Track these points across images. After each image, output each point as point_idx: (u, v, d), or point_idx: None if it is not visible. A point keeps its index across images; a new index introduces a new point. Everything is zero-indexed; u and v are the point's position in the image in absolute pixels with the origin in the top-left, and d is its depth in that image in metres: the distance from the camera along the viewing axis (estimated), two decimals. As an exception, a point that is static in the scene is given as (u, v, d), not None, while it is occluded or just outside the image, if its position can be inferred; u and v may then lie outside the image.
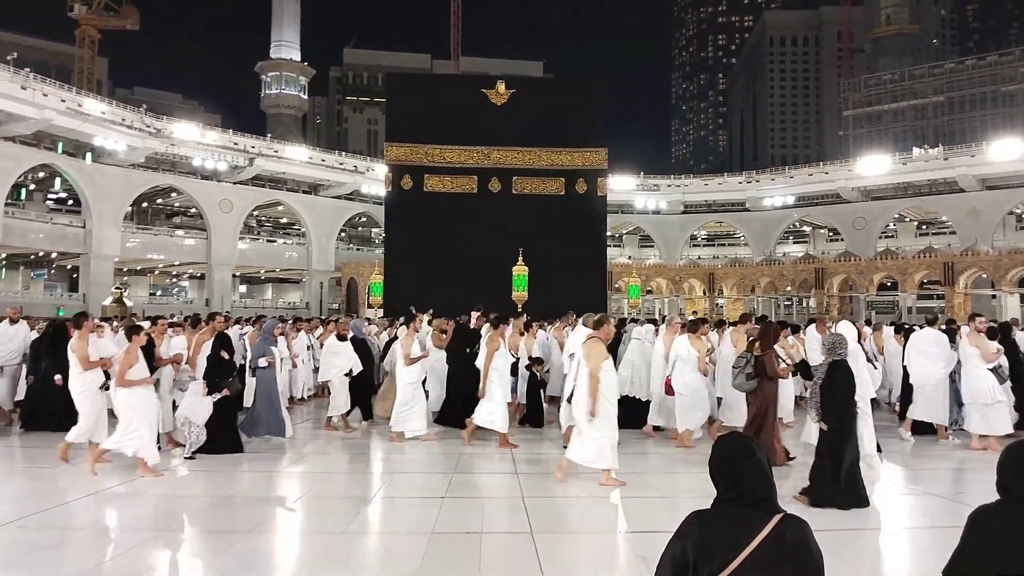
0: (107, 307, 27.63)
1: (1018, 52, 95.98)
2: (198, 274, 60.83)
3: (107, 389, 8.08)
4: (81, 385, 8.07)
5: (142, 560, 5.14)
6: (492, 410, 9.38)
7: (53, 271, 55.77)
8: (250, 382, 10.31)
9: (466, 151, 31.34)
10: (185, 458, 8.46)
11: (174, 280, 67.40)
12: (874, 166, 57.19)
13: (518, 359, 10.75)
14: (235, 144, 53.08)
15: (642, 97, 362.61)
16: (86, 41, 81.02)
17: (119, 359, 7.72)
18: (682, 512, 2.41)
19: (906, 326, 12.84)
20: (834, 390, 6.73)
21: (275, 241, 60.95)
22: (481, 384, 9.52)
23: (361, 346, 11.49)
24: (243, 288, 66.17)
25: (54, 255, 50.51)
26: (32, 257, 51.96)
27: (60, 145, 44.62)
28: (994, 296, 48.96)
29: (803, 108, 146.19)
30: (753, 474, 2.30)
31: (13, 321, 11.44)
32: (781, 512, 2.27)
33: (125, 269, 55.68)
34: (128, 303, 30.30)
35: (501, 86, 31.64)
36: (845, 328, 7.69)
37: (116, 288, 40.98)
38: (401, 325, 13.15)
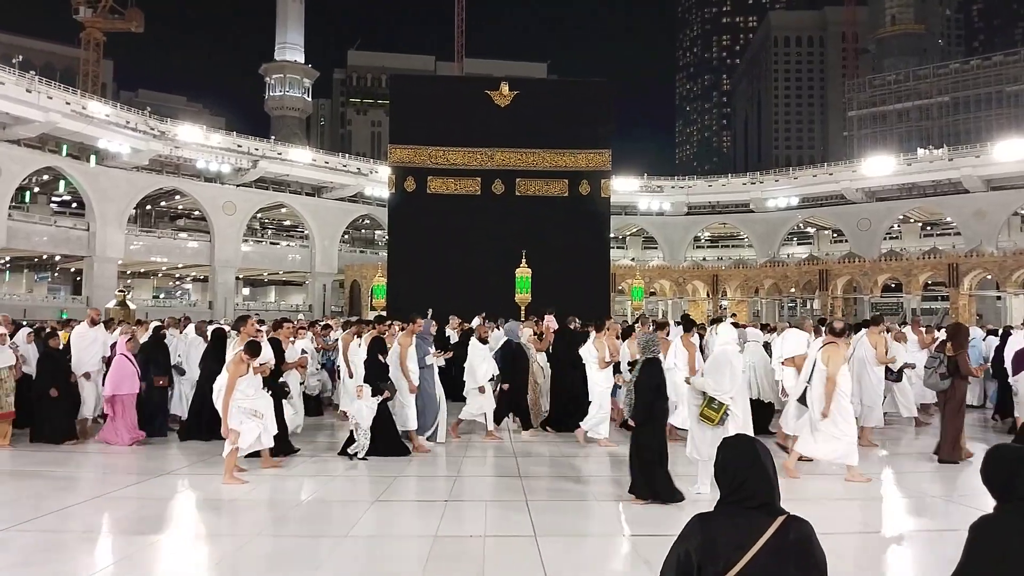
0: (110, 310, 27.66)
1: (1023, 52, 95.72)
2: (201, 277, 60.94)
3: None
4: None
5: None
6: (602, 418, 9.71)
7: (57, 274, 55.94)
8: None
9: (469, 153, 31.32)
10: (359, 459, 8.60)
11: (177, 283, 67.55)
12: (879, 167, 57.07)
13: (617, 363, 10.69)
14: (239, 146, 53.21)
15: (646, 98, 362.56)
16: (91, 44, 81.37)
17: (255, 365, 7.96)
18: (690, 515, 2.39)
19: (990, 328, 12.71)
20: (642, 387, 6.87)
21: (278, 243, 61.05)
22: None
23: (517, 352, 11.15)
24: (246, 291, 66.27)
25: (58, 258, 50.66)
26: (36, 260, 52.12)
27: (64, 148, 44.81)
28: (999, 297, 48.80)
29: (807, 109, 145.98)
30: (757, 477, 2.31)
31: (94, 323, 10.98)
32: (785, 514, 2.27)
33: (129, 272, 55.84)
34: (132, 306, 30.27)
35: (505, 88, 31.61)
36: (725, 330, 7.76)
37: (120, 291, 40.93)
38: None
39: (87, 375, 10.40)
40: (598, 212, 32.21)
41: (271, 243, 60.56)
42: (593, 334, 10.14)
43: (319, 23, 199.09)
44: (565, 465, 8.72)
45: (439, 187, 31.23)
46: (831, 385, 7.62)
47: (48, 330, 11.65)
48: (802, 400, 8.12)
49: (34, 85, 41.45)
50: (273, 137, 70.21)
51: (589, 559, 5.40)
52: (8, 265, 53.60)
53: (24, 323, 14.29)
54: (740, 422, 7.31)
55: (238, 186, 53.51)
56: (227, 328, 11.54)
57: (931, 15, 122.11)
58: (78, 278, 52.78)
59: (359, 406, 8.64)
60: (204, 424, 9.60)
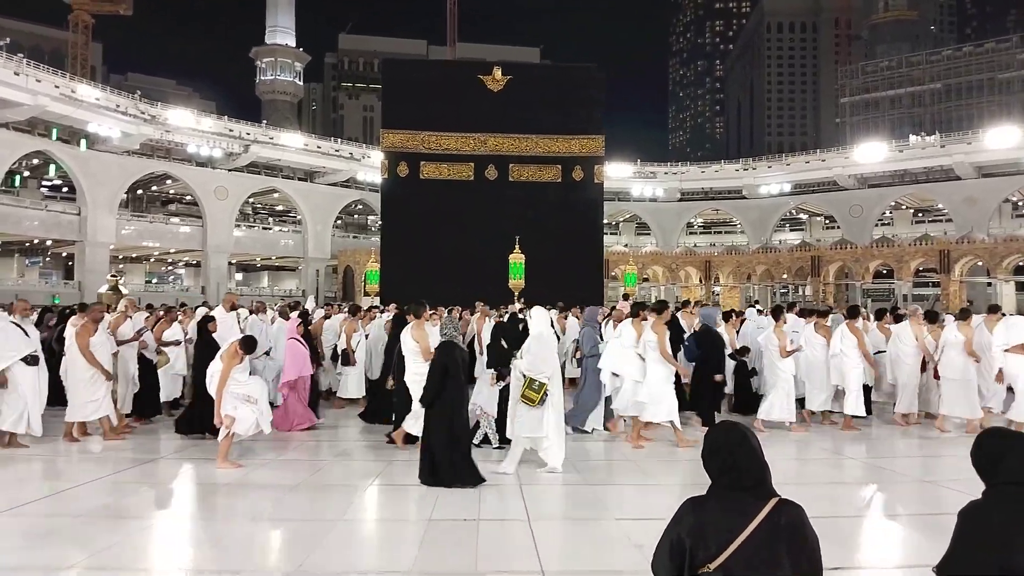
0: (103, 295, 27.54)
1: (1015, 39, 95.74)
2: (194, 262, 60.67)
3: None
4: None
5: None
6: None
7: (48, 258, 55.61)
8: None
9: (462, 138, 31.26)
10: (475, 446, 8.43)
11: (170, 268, 67.24)
12: (871, 153, 57.15)
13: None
14: (230, 131, 52.85)
15: (639, 83, 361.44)
16: (80, 26, 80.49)
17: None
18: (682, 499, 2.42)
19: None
20: (433, 369, 6.94)
21: (271, 229, 60.83)
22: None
23: (717, 340, 10.32)
24: (239, 276, 66.03)
25: (49, 242, 50.35)
26: (27, 244, 51.80)
27: (54, 131, 44.42)
28: (989, 284, 49.10)
29: (800, 95, 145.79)
30: (746, 459, 2.32)
31: (233, 307, 11.02)
32: (776, 497, 2.28)
33: (120, 256, 55.55)
34: (124, 291, 30.14)
35: (498, 72, 31.51)
36: (538, 313, 7.81)
37: (112, 276, 40.80)
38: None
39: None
40: (591, 198, 32.24)
41: (263, 228, 60.31)
42: (650, 320, 9.43)
43: (310, 6, 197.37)
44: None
45: (432, 172, 31.18)
46: None
47: (207, 314, 10.93)
48: None
49: (22, 68, 41.01)
50: (264, 121, 69.76)
51: (581, 542, 5.45)
52: (-1, 250, 53.29)
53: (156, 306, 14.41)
54: (557, 403, 7.46)
55: (230, 171, 53.20)
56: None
57: (924, 2, 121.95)
58: (70, 263, 52.51)
59: (485, 393, 8.50)
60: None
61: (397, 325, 9.44)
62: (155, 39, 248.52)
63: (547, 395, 7.19)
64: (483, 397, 8.53)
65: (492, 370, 8.77)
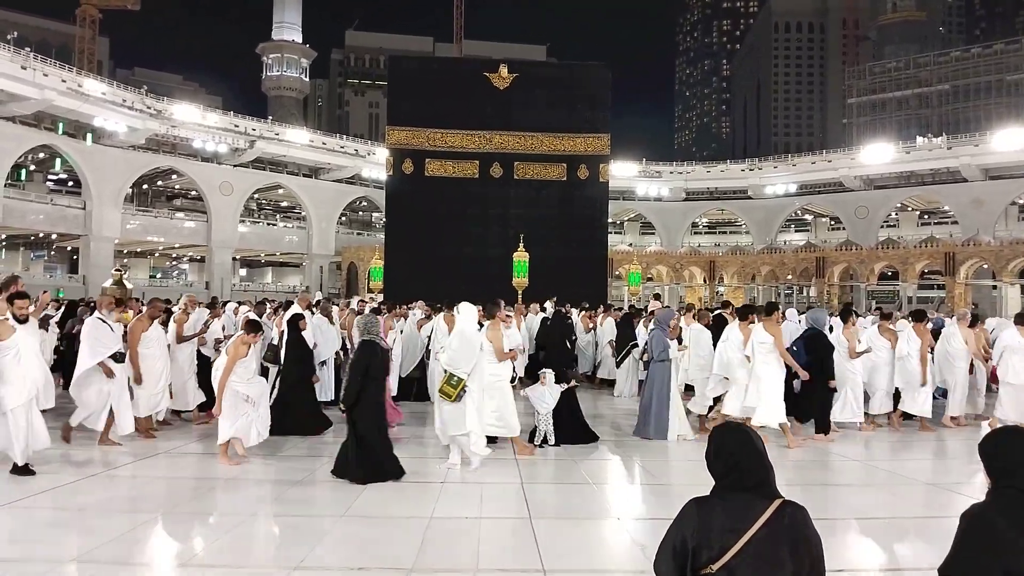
0: (107, 289, 27.60)
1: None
2: (198, 257, 60.80)
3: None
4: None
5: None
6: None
7: (53, 252, 55.81)
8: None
9: (468, 135, 31.23)
10: (549, 445, 8.52)
11: (174, 263, 67.38)
12: (877, 155, 56.98)
13: None
14: (236, 126, 52.92)
15: (645, 82, 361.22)
16: (87, 21, 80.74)
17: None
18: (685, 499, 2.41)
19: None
20: (354, 368, 6.97)
21: (275, 224, 60.89)
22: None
23: (827, 344, 9.60)
24: (243, 271, 66.15)
25: (54, 236, 50.50)
26: (32, 238, 51.96)
27: (60, 126, 44.53)
28: (995, 287, 48.94)
29: (807, 95, 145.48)
30: (751, 460, 2.32)
31: (310, 307, 11.21)
32: (780, 498, 2.28)
33: (125, 251, 55.65)
34: (128, 285, 30.17)
35: (504, 70, 31.46)
36: (466, 309, 7.83)
37: (116, 270, 40.80)
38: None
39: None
40: (596, 197, 32.19)
41: (268, 224, 60.37)
42: (761, 322, 9.22)
43: (317, 2, 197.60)
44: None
45: (437, 169, 31.16)
46: None
47: (296, 313, 10.86)
48: None
49: (29, 62, 41.10)
50: (270, 117, 69.87)
51: (583, 542, 5.44)
52: (4, 243, 53.43)
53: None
54: (477, 399, 7.52)
55: (235, 166, 53.26)
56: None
57: (933, 2, 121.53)
58: (74, 257, 52.65)
59: (541, 392, 8.47)
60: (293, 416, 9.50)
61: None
62: (162, 34, 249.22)
63: (465, 391, 7.26)
64: (535, 395, 8.53)
65: (549, 370, 8.72)
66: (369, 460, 6.77)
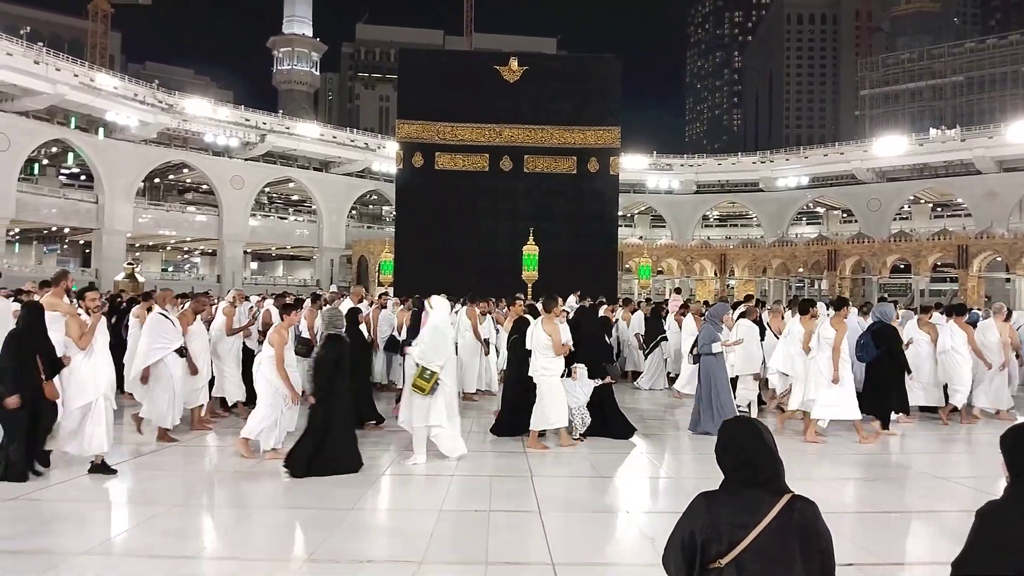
0: (119, 283, 27.77)
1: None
2: (210, 250, 61.03)
3: None
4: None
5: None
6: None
7: (66, 246, 56.13)
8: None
9: (478, 129, 31.21)
10: (574, 439, 8.52)
11: (186, 256, 67.72)
12: (890, 147, 56.51)
13: None
14: (247, 120, 53.02)
15: (656, 75, 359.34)
16: (99, 15, 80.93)
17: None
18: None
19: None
20: (320, 363, 6.91)
21: (286, 218, 61.02)
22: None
23: (897, 337, 9.61)
24: (254, 265, 66.40)
25: (67, 230, 50.77)
26: (45, 232, 52.26)
27: (73, 120, 44.72)
28: (1008, 279, 48.53)
29: (819, 87, 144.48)
30: (761, 454, 2.31)
31: (361, 301, 11.69)
32: (789, 493, 2.27)
33: (137, 245, 55.95)
34: (140, 279, 30.43)
35: (514, 63, 31.41)
36: (438, 302, 7.82)
37: (128, 264, 41.20)
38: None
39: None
40: (606, 190, 32.14)
41: (279, 217, 60.50)
42: (827, 316, 9.21)
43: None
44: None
45: (447, 163, 31.18)
46: None
47: (353, 306, 11.07)
48: None
49: (42, 57, 41.29)
50: (281, 111, 69.84)
51: (592, 535, 5.44)
52: (17, 237, 53.74)
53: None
54: (450, 392, 7.51)
55: (246, 160, 53.39)
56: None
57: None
58: (87, 250, 52.95)
59: (571, 386, 8.46)
60: None
61: (527, 321, 9.24)
62: (173, 29, 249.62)
63: (438, 384, 7.24)
64: (567, 386, 8.48)
65: (581, 365, 8.66)
66: (321, 453, 6.72)
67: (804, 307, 9.61)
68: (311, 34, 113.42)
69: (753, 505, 2.24)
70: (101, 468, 6.62)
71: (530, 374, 8.35)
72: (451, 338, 7.78)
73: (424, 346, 7.44)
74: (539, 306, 8.90)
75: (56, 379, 6.51)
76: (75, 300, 7.85)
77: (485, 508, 5.86)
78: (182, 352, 8.26)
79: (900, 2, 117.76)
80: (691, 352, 9.90)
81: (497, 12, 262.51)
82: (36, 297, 8.81)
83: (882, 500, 6.52)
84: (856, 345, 9.42)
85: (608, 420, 8.85)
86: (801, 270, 54.98)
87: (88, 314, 6.88)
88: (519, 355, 8.91)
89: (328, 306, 10.91)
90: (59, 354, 6.55)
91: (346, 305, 10.78)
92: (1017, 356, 11.22)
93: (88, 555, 4.69)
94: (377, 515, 5.95)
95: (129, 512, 5.85)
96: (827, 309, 10.08)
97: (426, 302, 8.44)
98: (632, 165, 57.89)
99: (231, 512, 5.94)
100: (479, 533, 5.22)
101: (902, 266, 52.46)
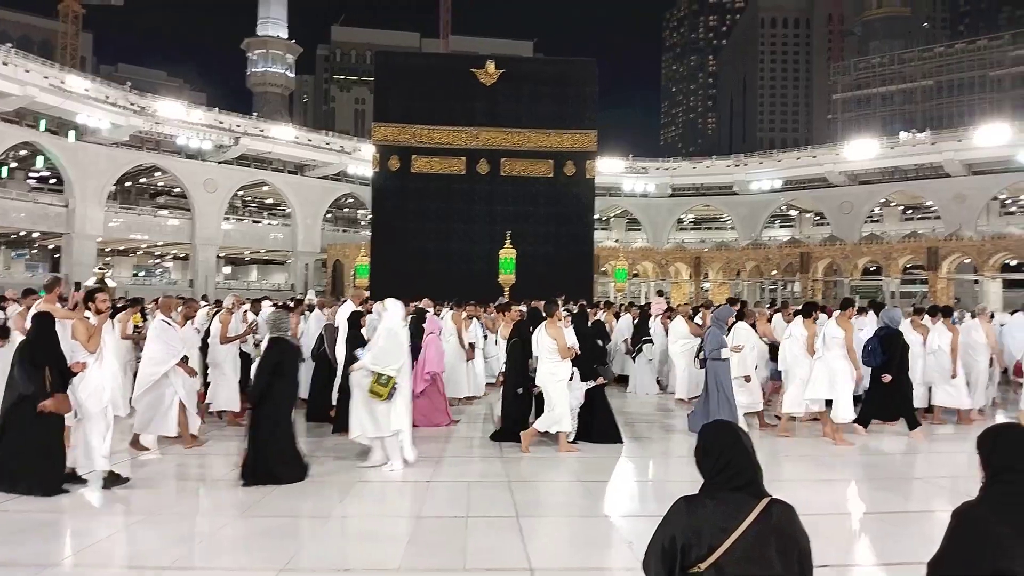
0: (89, 287, 27.31)
1: (1008, 36, 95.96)
2: (182, 255, 60.33)
3: None
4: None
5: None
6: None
7: (35, 250, 55.22)
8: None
9: (454, 132, 31.16)
10: (569, 442, 8.44)
11: (158, 261, 66.86)
12: (861, 150, 57.32)
13: None
14: (220, 123, 52.50)
15: (631, 78, 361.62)
16: (69, 16, 79.92)
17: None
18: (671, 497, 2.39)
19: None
20: (261, 367, 6.84)
21: (260, 222, 60.43)
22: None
23: (904, 343, 9.52)
24: (227, 269, 65.68)
25: (36, 234, 49.96)
26: (13, 236, 51.38)
27: (43, 122, 43.96)
28: (976, 281, 49.36)
29: (793, 91, 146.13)
30: (740, 458, 2.32)
31: (363, 303, 11.42)
32: (768, 496, 2.28)
33: (108, 249, 55.16)
34: (111, 284, 29.99)
35: (491, 66, 31.41)
36: (392, 304, 7.73)
37: (99, 268, 40.56)
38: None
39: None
40: (583, 193, 32.20)
41: (253, 221, 59.90)
42: (834, 317, 9.20)
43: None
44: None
45: (423, 166, 31.09)
46: None
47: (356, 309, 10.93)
48: None
49: (10, 58, 40.58)
50: (255, 114, 69.35)
51: (570, 539, 5.43)
52: (-15, 241, 52.87)
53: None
54: (407, 395, 7.46)
55: (220, 163, 52.85)
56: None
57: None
58: (56, 255, 52.10)
59: (559, 387, 8.36)
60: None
61: (524, 325, 9.25)
62: (146, 30, 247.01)
63: (395, 389, 7.16)
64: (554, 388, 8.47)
65: (576, 367, 8.59)
66: (258, 462, 6.58)
67: (807, 310, 9.69)
68: (286, 36, 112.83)
69: (733, 509, 2.24)
70: (113, 479, 6.45)
71: (537, 381, 8.33)
72: (406, 341, 7.66)
73: (378, 351, 7.29)
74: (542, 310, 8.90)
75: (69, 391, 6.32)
76: (82, 303, 7.66)
77: (463, 514, 5.83)
78: (184, 359, 8.18)
79: (871, 7, 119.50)
80: (697, 357, 9.92)
81: (473, 15, 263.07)
82: (17, 307, 8.68)
83: (861, 501, 6.57)
84: (863, 351, 9.46)
85: (594, 424, 8.79)
86: (775, 273, 55.53)
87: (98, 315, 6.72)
88: (517, 360, 8.94)
89: (321, 311, 10.87)
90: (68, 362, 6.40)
91: (347, 308, 10.64)
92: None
93: (57, 567, 4.59)
94: (354, 522, 5.89)
95: (105, 523, 5.74)
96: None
97: (379, 304, 8.35)
98: (608, 168, 58.12)
99: (207, 521, 5.85)
100: (457, 539, 5.19)
101: (873, 268, 53.19)
